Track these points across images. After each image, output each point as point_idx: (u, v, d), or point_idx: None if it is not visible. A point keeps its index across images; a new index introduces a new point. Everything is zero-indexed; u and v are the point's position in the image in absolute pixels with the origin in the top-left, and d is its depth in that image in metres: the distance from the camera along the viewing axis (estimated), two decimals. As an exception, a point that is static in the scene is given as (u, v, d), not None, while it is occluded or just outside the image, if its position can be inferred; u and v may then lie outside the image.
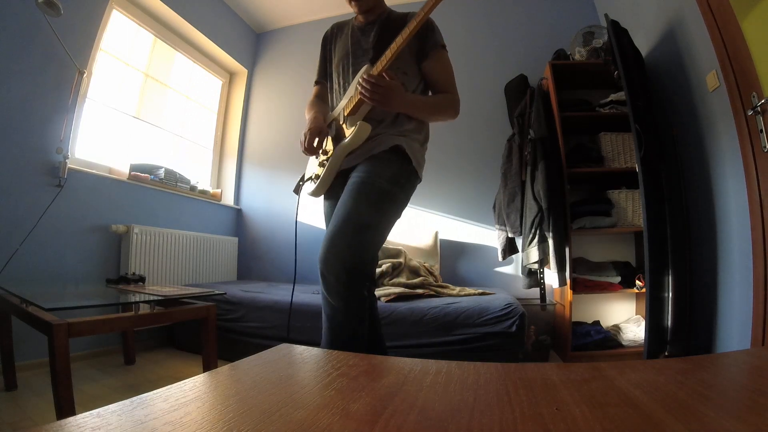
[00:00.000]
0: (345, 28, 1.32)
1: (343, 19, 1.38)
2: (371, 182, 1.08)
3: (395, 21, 1.24)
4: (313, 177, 1.26)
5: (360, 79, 1.05)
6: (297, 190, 1.36)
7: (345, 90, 1.26)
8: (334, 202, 1.26)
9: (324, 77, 1.38)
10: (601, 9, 2.50)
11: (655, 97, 1.87)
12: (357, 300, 1.03)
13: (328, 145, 1.22)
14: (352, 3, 1.22)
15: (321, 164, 1.23)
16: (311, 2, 3.25)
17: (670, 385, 0.48)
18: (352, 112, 1.15)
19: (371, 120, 1.14)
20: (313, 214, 3.11)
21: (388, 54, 1.04)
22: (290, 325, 1.96)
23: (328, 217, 1.28)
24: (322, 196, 1.31)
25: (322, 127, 1.21)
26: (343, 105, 1.20)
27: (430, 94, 1.27)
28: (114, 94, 2.45)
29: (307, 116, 1.32)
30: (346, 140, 1.14)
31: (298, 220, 3.38)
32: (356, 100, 1.11)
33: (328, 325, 1.04)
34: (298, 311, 1.97)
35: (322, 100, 1.38)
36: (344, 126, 1.17)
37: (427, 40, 1.20)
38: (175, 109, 2.97)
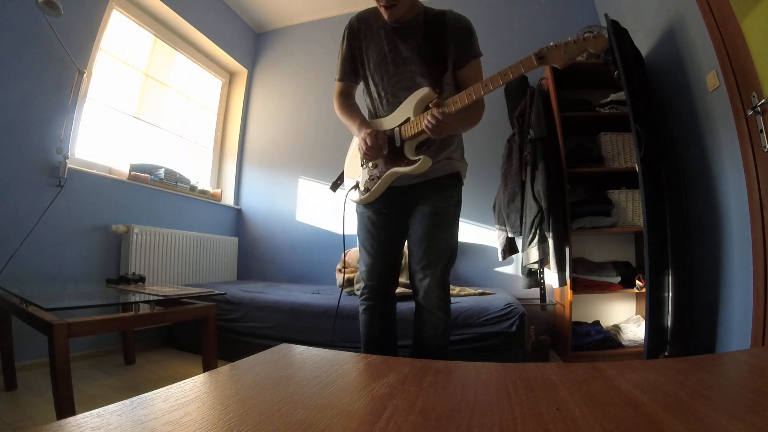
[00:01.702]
0: (374, 26, 1.25)
1: (365, 9, 1.29)
2: (445, 212, 1.24)
3: (434, 23, 1.20)
4: (362, 189, 1.29)
5: (430, 116, 1.08)
6: (334, 187, 1.41)
7: (387, 101, 1.24)
8: (373, 210, 1.29)
9: (351, 76, 1.32)
10: (601, 9, 2.50)
11: (655, 97, 1.87)
12: (450, 306, 1.27)
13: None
14: (383, 10, 1.16)
15: (372, 178, 1.25)
16: (311, 2, 3.25)
17: (670, 385, 0.48)
18: (412, 138, 1.17)
19: (423, 143, 1.21)
20: (313, 214, 3.11)
21: (465, 99, 1.06)
22: (290, 325, 1.96)
23: (367, 222, 1.30)
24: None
25: (380, 134, 1.21)
26: (397, 122, 1.19)
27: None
28: (114, 94, 2.44)
29: (345, 118, 1.30)
30: (407, 168, 1.17)
31: (298, 219, 3.35)
32: (419, 129, 1.13)
33: (432, 332, 1.24)
34: (299, 311, 1.97)
35: (352, 98, 1.36)
36: (403, 149, 1.18)
37: (467, 49, 1.19)
38: (175, 109, 2.96)
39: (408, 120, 1.17)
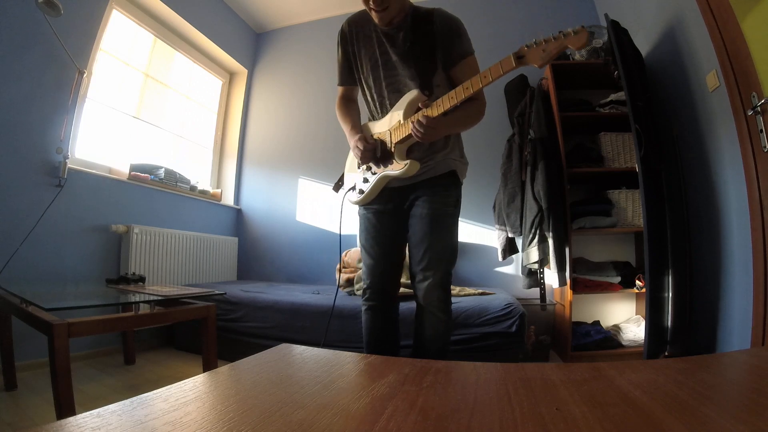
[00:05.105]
0: (366, 29, 1.25)
1: (356, 12, 1.29)
2: (442, 213, 1.22)
3: (421, 21, 1.19)
4: (357, 190, 1.32)
5: (415, 122, 1.08)
6: (336, 188, 1.43)
7: (381, 105, 1.26)
8: (373, 212, 1.31)
9: (349, 80, 1.34)
10: (601, 9, 2.50)
11: (655, 97, 1.87)
12: (451, 307, 1.25)
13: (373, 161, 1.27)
14: (374, 14, 1.15)
15: (365, 180, 1.28)
16: (311, 2, 3.25)
17: (670, 385, 0.48)
18: (401, 141, 1.17)
19: (413, 145, 1.21)
20: (313, 215, 3.11)
21: (446, 104, 1.06)
22: (290, 325, 1.96)
23: (367, 224, 1.32)
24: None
25: (372, 142, 1.25)
26: (389, 128, 1.21)
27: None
28: (114, 94, 2.44)
29: (342, 124, 1.34)
30: (396, 172, 1.19)
31: (298, 219, 3.34)
32: (407, 132, 1.13)
33: (432, 332, 1.23)
34: (299, 311, 1.97)
35: (353, 101, 1.39)
36: (392, 152, 1.20)
37: (453, 48, 1.18)
38: (175, 109, 2.96)
39: (399, 123, 1.18)
